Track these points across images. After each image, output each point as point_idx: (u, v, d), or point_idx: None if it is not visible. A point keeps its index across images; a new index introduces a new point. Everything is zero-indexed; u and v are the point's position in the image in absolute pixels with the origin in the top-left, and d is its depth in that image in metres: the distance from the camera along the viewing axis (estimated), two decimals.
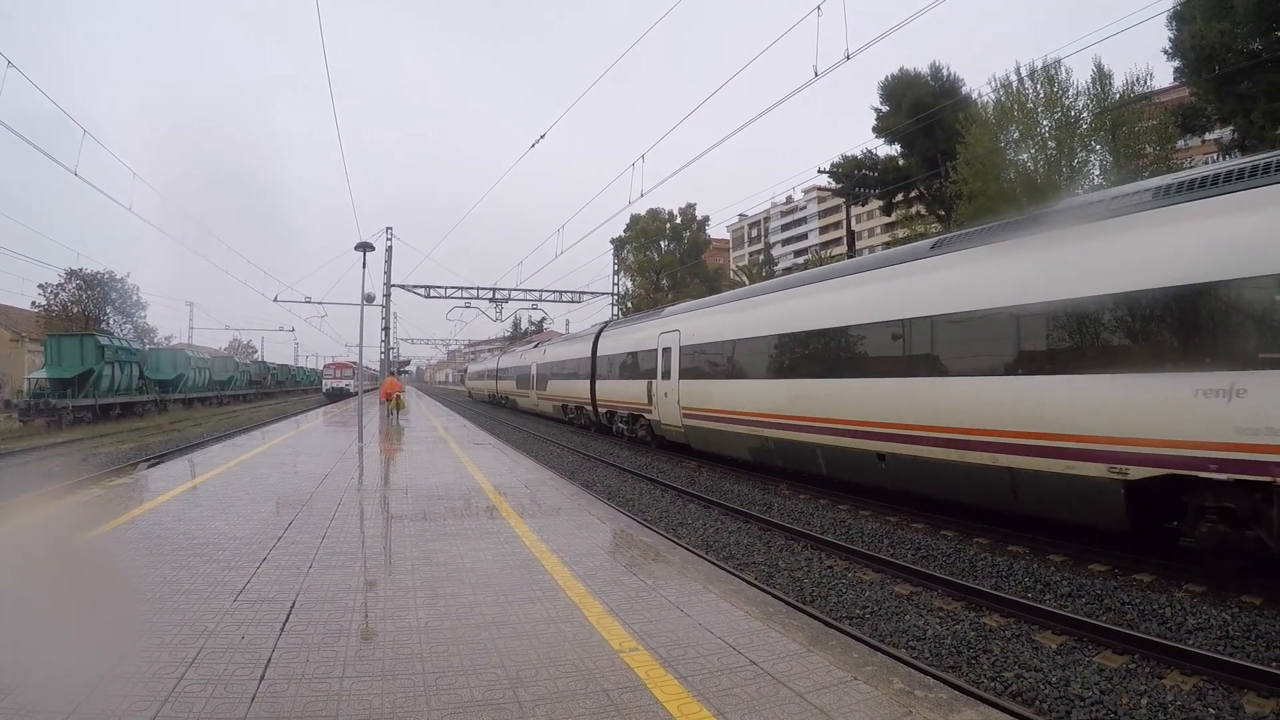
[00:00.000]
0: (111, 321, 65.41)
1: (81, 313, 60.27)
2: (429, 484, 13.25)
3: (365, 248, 20.72)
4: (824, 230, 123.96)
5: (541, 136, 19.62)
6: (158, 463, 19.07)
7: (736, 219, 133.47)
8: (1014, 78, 35.55)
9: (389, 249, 46.76)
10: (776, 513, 14.52)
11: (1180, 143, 36.60)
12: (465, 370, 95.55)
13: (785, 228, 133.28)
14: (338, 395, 68.59)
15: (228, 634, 5.43)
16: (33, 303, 61.43)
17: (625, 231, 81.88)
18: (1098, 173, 33.66)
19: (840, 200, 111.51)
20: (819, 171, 52.55)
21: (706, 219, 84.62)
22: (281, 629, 5.57)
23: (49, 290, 61.31)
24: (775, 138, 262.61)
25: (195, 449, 22.54)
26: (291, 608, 6.06)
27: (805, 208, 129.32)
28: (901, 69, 50.90)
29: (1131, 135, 32.38)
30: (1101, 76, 33.72)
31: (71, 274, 62.01)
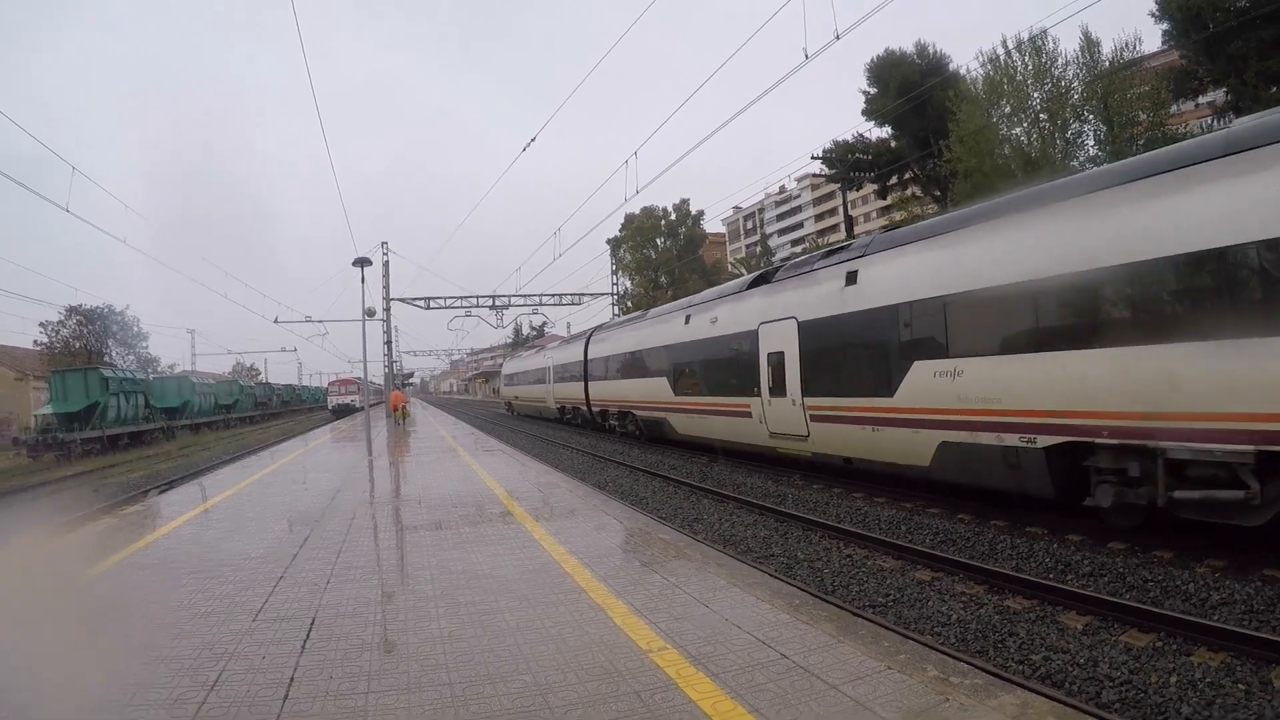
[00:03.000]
0: (114, 354, 65.44)
1: (84, 348, 60.26)
2: (442, 493, 13.18)
3: (363, 263, 20.70)
4: (819, 218, 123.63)
5: (532, 140, 19.65)
6: (168, 489, 18.98)
7: (731, 212, 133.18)
8: (1001, 51, 35.30)
9: (386, 263, 46.69)
10: (791, 503, 14.41)
11: (1174, 108, 36.08)
12: (501, 373, 66.40)
13: (780, 217, 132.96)
14: (344, 411, 68.50)
15: (249, 655, 5.34)
16: (35, 341, 61.50)
17: (620, 231, 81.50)
18: (1092, 144, 33.54)
19: (834, 187, 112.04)
20: (812, 158, 51.85)
21: (701, 214, 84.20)
22: (303, 646, 5.48)
23: (50, 328, 61.38)
24: (765, 128, 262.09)
25: (204, 473, 22.41)
26: (311, 624, 5.97)
27: (799, 196, 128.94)
28: (887, 49, 50.14)
29: (1124, 103, 31.99)
30: (1089, 45, 33.44)
31: (71, 310, 62.04)
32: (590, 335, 34.96)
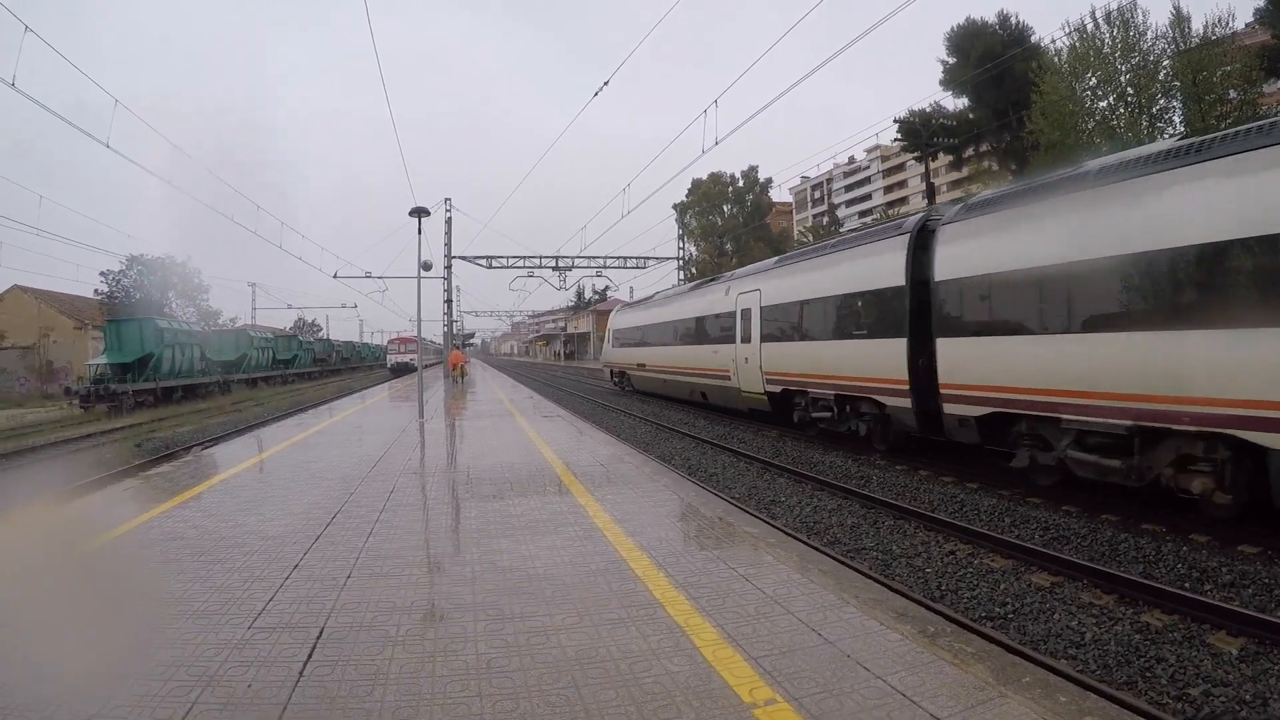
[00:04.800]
0: (174, 306, 65.63)
1: (144, 298, 60.28)
2: (494, 464, 11.92)
3: (420, 213, 19.44)
4: (888, 190, 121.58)
5: (605, 83, 18.18)
6: (210, 445, 18.11)
7: (799, 181, 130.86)
8: (1089, 21, 34.08)
9: (448, 220, 45.84)
10: (876, 487, 13.11)
11: (1265, 86, 34.50)
12: (609, 330, 42.69)
13: (849, 188, 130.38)
14: (402, 370, 68.07)
15: (232, 680, 4.14)
16: (95, 290, 61.74)
17: (687, 196, 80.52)
18: (1180, 120, 32.28)
19: (903, 159, 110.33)
20: (895, 121, 50.39)
21: (769, 181, 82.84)
22: (300, 673, 4.24)
23: (111, 278, 61.56)
24: (831, 106, 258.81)
25: (250, 430, 21.53)
26: (318, 639, 4.73)
27: (868, 167, 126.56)
28: (968, 18, 49.41)
29: (1213, 80, 30.87)
30: (1179, 19, 32.23)
31: (133, 260, 62.17)
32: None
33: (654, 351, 31.69)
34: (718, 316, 23.37)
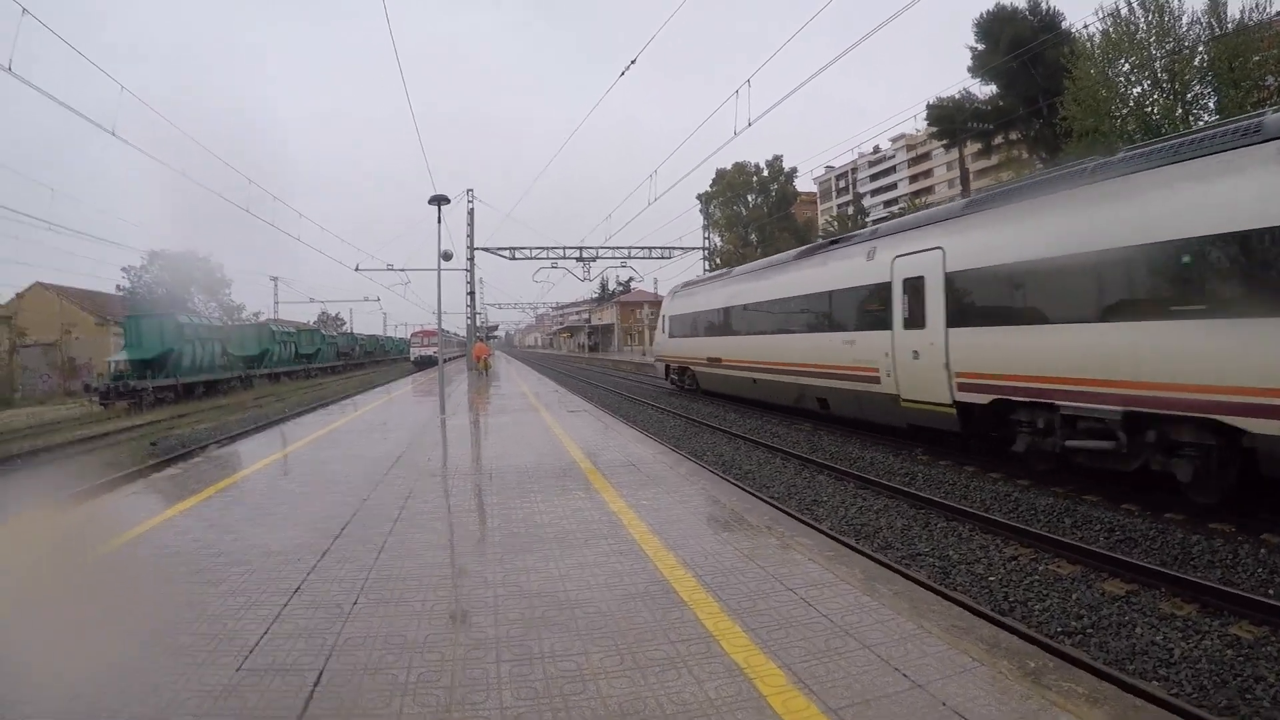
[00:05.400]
0: (197, 300, 65.45)
1: (166, 293, 60.08)
2: (517, 465, 11.16)
3: (440, 200, 18.76)
4: (913, 180, 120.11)
5: (633, 61, 17.35)
6: (227, 443, 17.54)
7: (823, 170, 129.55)
8: (1123, 6, 33.09)
9: (470, 211, 45.21)
10: (923, 484, 12.43)
11: None
12: (662, 316, 35.67)
13: (874, 178, 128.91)
14: (426, 363, 67.64)
15: None
16: (117, 286, 61.62)
17: (711, 186, 79.98)
18: (1214, 107, 31.30)
19: (929, 149, 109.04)
20: (928, 106, 49.69)
21: (794, 170, 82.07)
22: None
23: (132, 273, 61.43)
24: (848, 89, 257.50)
25: (269, 427, 20.96)
26: (315, 685, 4.03)
27: (894, 156, 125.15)
28: (999, 4, 48.65)
29: (1248, 66, 29.94)
30: (1215, 4, 31.29)
31: (154, 255, 62.05)
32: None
33: (737, 343, 24.44)
34: (855, 292, 16.64)
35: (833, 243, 19.29)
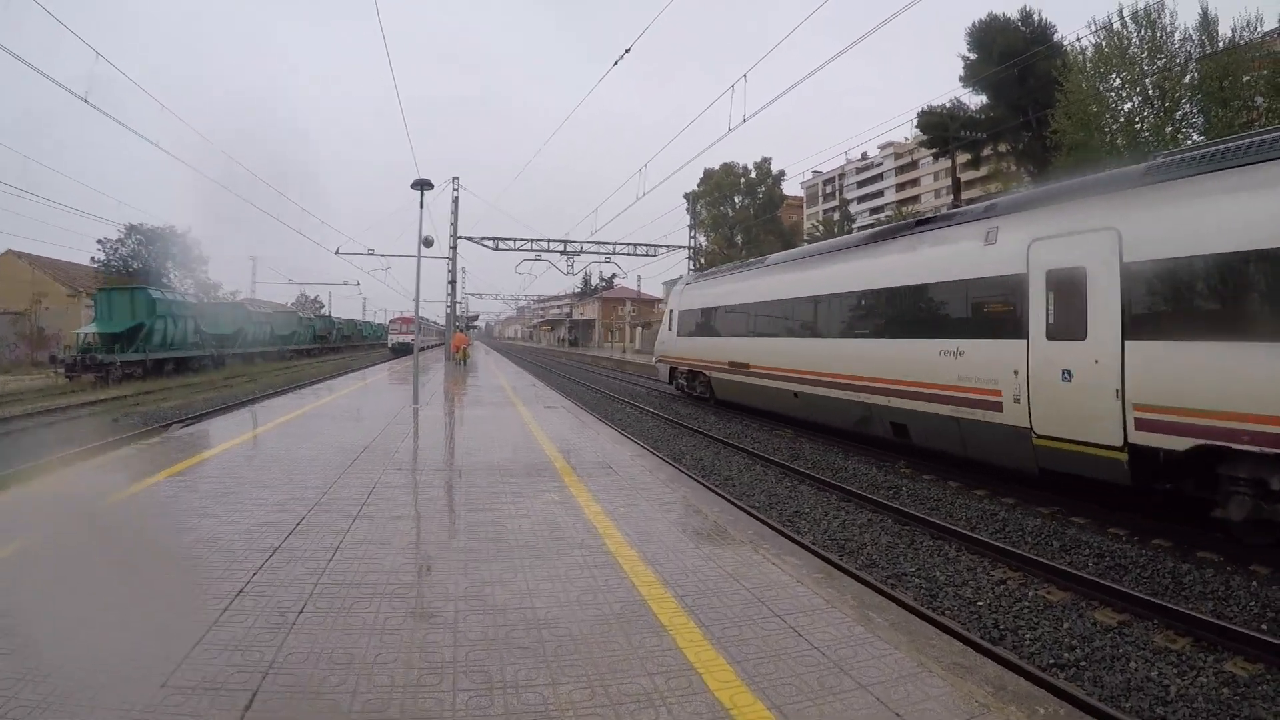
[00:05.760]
0: (173, 276, 64.45)
1: (142, 268, 59.14)
2: (489, 462, 10.68)
3: (423, 185, 18.24)
4: (900, 188, 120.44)
5: (627, 50, 16.86)
6: (191, 423, 17.00)
7: (810, 175, 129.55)
8: (1116, 20, 33.07)
9: (455, 199, 44.59)
10: (906, 498, 12.10)
11: None
12: (669, 313, 30.11)
13: (861, 184, 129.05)
14: (404, 350, 66.93)
15: None
16: (92, 258, 60.58)
17: (699, 186, 79.82)
18: (1203, 124, 31.27)
19: (917, 156, 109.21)
20: (918, 114, 49.70)
21: (782, 173, 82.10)
22: None
23: (108, 245, 60.40)
24: (837, 93, 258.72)
25: (237, 408, 20.42)
26: (247, 708, 3.56)
27: (881, 164, 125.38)
28: (990, 14, 48.82)
29: (1239, 86, 29.92)
30: (1207, 22, 31.40)
31: (131, 229, 60.99)
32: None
33: (774, 346, 19.92)
34: (963, 287, 12.82)
35: (923, 223, 15.08)
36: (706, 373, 25.17)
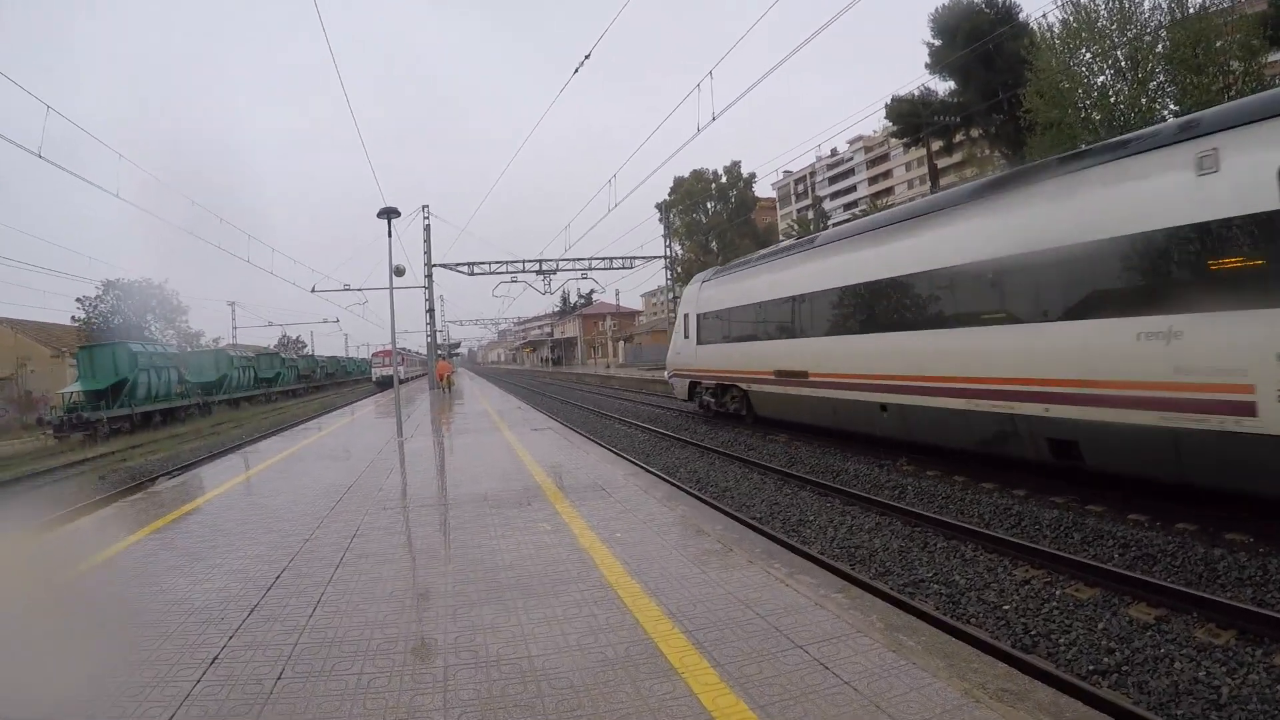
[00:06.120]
0: (154, 328, 64.06)
1: (123, 323, 58.75)
2: (477, 493, 10.22)
3: (390, 213, 17.88)
4: (872, 181, 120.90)
5: (586, 57, 16.51)
6: (178, 474, 16.58)
7: (781, 176, 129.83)
8: None
9: (426, 227, 44.25)
10: (913, 497, 11.72)
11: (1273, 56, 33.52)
12: (681, 321, 26.04)
13: (832, 180, 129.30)
14: (388, 383, 66.64)
15: None
16: (72, 317, 60.23)
17: (670, 195, 79.92)
18: (1176, 94, 30.78)
19: (886, 150, 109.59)
20: (886, 105, 49.60)
21: (753, 175, 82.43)
22: None
23: (87, 303, 60.00)
24: (801, 92, 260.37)
25: (224, 454, 20.07)
26: None
27: (851, 159, 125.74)
28: None
29: (1213, 52, 29.40)
30: None
31: (109, 285, 60.64)
32: None
33: (845, 347, 15.69)
34: (1169, 240, 9.02)
35: (1077, 156, 11.08)
36: (742, 385, 20.88)
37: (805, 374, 16.87)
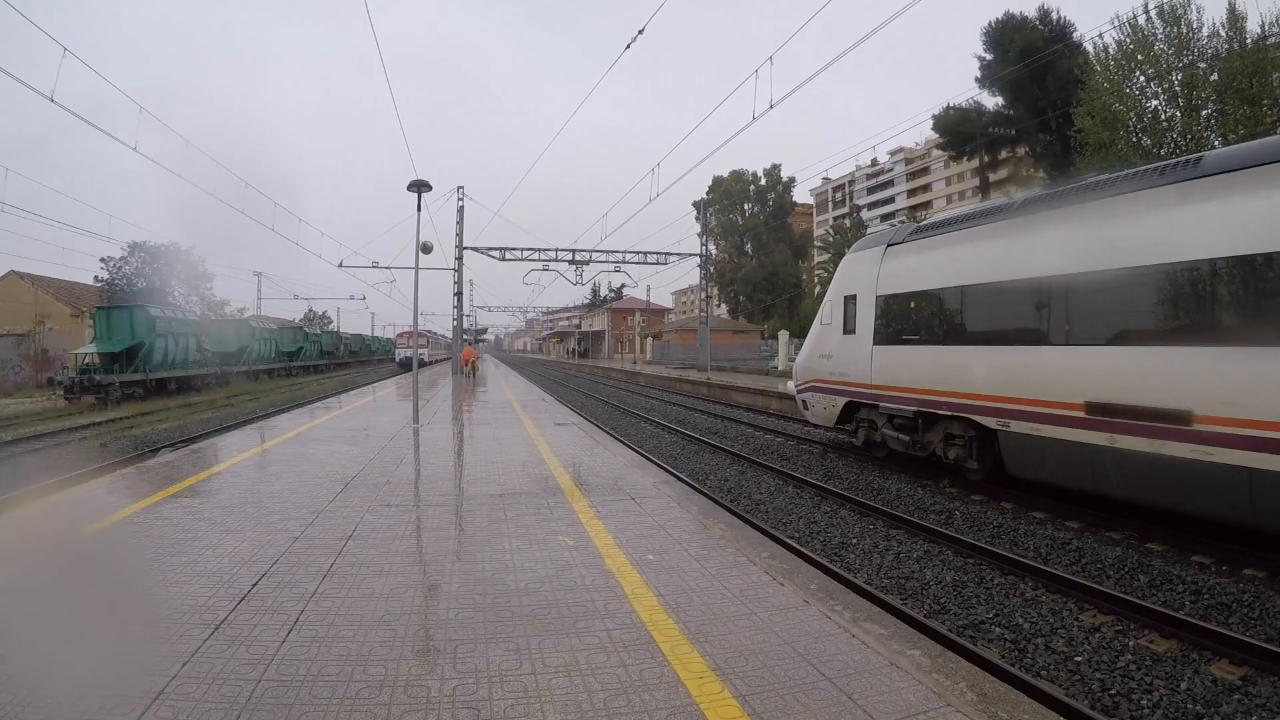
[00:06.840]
0: (178, 294, 63.66)
1: (147, 286, 58.28)
2: (492, 493, 9.35)
3: (420, 187, 17.05)
4: (911, 194, 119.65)
5: (640, 31, 15.55)
6: (180, 447, 15.83)
7: (820, 182, 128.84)
8: (1141, 17, 32.30)
9: (460, 208, 43.47)
10: (961, 523, 10.85)
11: None
12: (830, 306, 16.37)
13: (871, 190, 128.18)
14: (412, 364, 66.27)
15: None
16: (95, 277, 59.77)
17: (708, 194, 79.43)
18: (1226, 125, 30.27)
19: (928, 162, 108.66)
20: (934, 116, 48.98)
21: (792, 180, 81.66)
22: None
23: (112, 264, 59.56)
24: (837, 101, 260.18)
25: (233, 429, 19.38)
26: None
27: (891, 170, 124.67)
28: (1007, 12, 48.35)
29: (1268, 83, 29.27)
30: (1235, 17, 30.65)
31: (135, 247, 60.16)
32: None
33: None
34: None
35: None
36: (980, 420, 12.07)
37: (1187, 415, 8.57)
